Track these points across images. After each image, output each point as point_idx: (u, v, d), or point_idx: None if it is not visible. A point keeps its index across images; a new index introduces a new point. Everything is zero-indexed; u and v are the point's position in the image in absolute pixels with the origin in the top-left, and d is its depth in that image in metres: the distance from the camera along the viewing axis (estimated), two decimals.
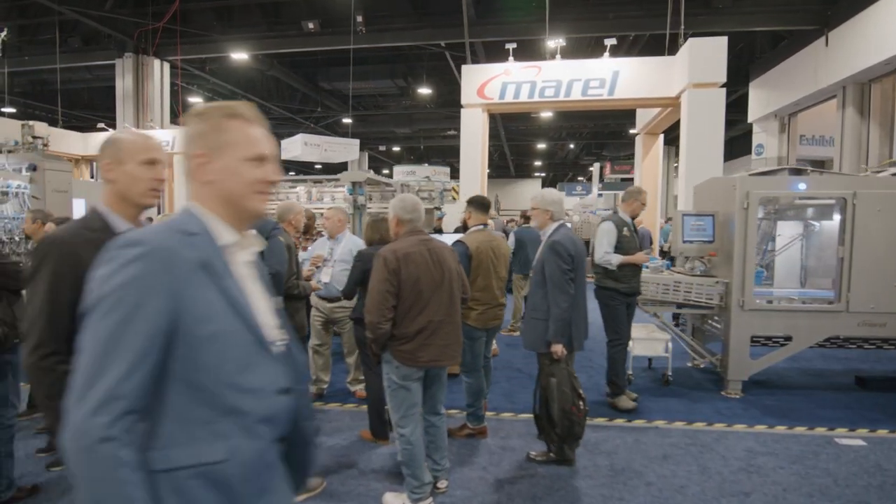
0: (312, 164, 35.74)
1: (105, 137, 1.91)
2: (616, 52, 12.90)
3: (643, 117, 12.85)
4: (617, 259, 5.08)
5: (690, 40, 9.08)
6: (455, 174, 34.30)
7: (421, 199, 7.13)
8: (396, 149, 31.80)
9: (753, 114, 15.60)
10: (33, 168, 7.49)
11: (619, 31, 13.24)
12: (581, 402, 3.77)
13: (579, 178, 37.99)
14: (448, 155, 34.02)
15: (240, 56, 17.17)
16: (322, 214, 6.37)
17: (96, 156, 1.85)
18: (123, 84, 17.30)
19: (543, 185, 36.90)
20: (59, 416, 1.21)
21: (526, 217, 7.57)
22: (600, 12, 13.66)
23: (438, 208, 6.94)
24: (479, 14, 15.08)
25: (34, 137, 8.02)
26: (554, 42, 10.11)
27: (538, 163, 35.24)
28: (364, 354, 4.45)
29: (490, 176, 37.41)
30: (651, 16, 13.52)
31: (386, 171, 37.80)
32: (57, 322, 1.69)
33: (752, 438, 4.54)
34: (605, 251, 5.11)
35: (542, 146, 30.01)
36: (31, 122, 8.34)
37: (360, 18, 15.39)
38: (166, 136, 16.12)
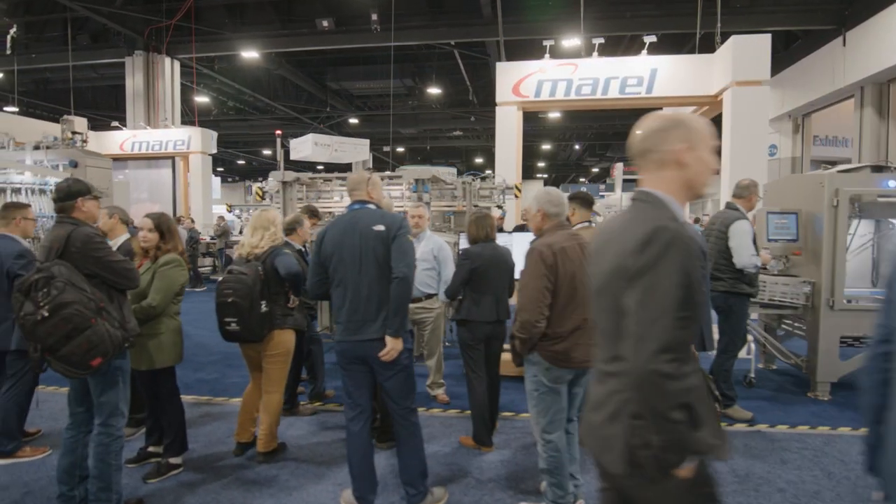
0: (314, 165, 35.48)
1: (666, 119, 1.73)
2: (627, 51, 12.84)
3: None
4: (759, 260, 4.77)
5: (733, 37, 9.00)
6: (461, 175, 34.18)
7: (482, 197, 7.02)
8: (400, 149, 31.59)
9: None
10: (74, 165, 7.24)
11: (636, 30, 13.22)
12: (717, 404, 3.61)
13: (580, 179, 38.01)
14: (452, 156, 33.90)
15: (250, 55, 16.93)
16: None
17: (655, 137, 1.72)
18: (133, 82, 16.99)
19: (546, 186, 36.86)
20: (679, 431, 1.52)
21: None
22: (618, 12, 13.58)
23: (500, 206, 6.75)
24: (496, 13, 14.99)
25: (73, 133, 7.76)
26: (594, 40, 9.95)
27: (541, 164, 35.20)
28: (468, 357, 4.27)
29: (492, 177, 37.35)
30: (668, 15, 13.49)
31: (389, 172, 37.62)
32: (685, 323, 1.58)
33: (861, 441, 4.40)
34: (751, 253, 4.69)
35: (546, 147, 29.93)
36: (70, 117, 8.07)
37: (374, 17, 15.18)
38: (182, 136, 15.85)
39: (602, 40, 9.97)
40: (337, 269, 3.24)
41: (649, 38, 9.66)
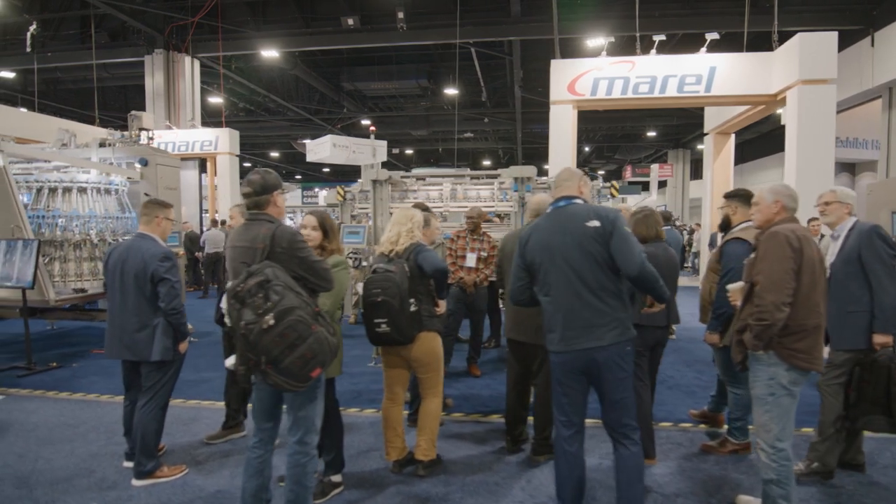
0: (320, 167, 35.13)
1: None
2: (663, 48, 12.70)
3: (714, 117, 12.66)
4: None
5: (800, 35, 8.90)
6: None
7: None
8: (409, 151, 31.36)
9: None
10: (145, 163, 6.94)
11: (665, 29, 13.14)
12: None
13: None
14: (459, 158, 33.67)
15: (270, 54, 16.65)
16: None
17: None
18: (153, 82, 16.61)
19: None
20: None
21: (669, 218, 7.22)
22: (645, 10, 13.47)
23: None
24: (524, 11, 14.85)
25: (141, 129, 7.45)
26: (654, 37, 9.80)
27: (547, 166, 35.12)
28: (636, 365, 4.05)
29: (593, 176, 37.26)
30: (696, 14, 13.42)
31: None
32: None
33: None
34: None
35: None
36: (139, 113, 7.74)
37: (401, 15, 14.97)
38: (209, 136, 15.52)
39: (663, 37, 9.82)
40: (548, 273, 2.98)
41: (711, 36, 9.53)
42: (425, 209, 5.36)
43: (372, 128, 8.35)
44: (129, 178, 7.19)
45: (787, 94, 9.20)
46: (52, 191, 7.02)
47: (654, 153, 30.09)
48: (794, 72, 8.95)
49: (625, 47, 14.82)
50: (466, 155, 33.42)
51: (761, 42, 11.77)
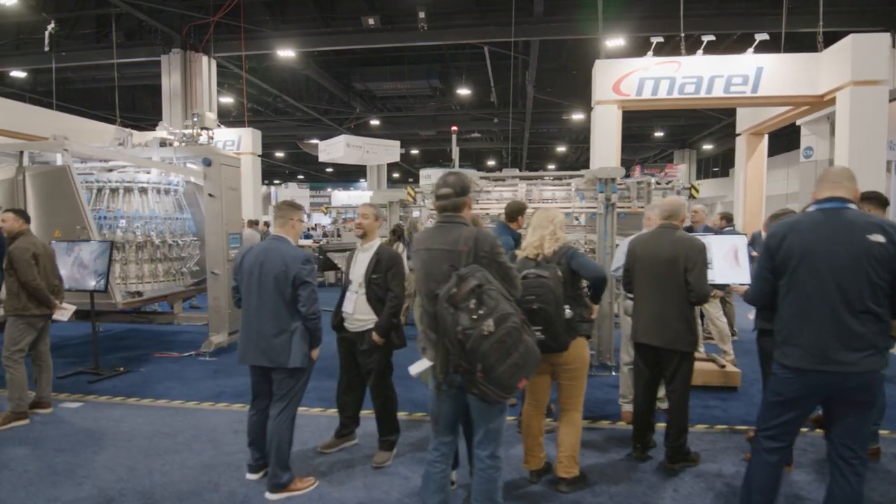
0: (323, 167, 34.87)
1: None
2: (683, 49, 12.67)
3: (747, 118, 12.65)
4: None
5: (852, 36, 8.89)
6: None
7: (661, 197, 6.71)
8: (414, 151, 31.22)
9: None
10: (209, 163, 6.73)
11: (687, 30, 13.12)
12: None
13: None
14: (464, 158, 33.54)
15: (286, 53, 16.47)
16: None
17: None
18: (170, 82, 16.34)
19: None
20: None
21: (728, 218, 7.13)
22: (667, 11, 13.46)
23: None
24: (547, 11, 14.78)
25: (203, 129, 7.25)
26: (703, 37, 9.73)
27: (551, 165, 35.10)
28: (768, 367, 3.95)
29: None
30: (721, 14, 13.39)
31: (397, 175, 37.23)
32: None
33: None
34: None
35: (561, 149, 29.86)
36: (202, 112, 7.53)
37: (422, 14, 14.84)
38: (232, 136, 15.32)
39: (713, 37, 9.76)
40: (802, 283, 2.70)
41: (760, 37, 9.49)
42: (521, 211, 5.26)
43: (454, 128, 8.20)
44: (189, 178, 7.00)
45: (836, 95, 9.18)
46: (113, 191, 6.81)
47: (660, 153, 30.20)
48: (845, 73, 8.94)
49: (640, 47, 14.89)
50: (470, 155, 33.34)
51: (788, 43, 11.77)
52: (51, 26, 14.43)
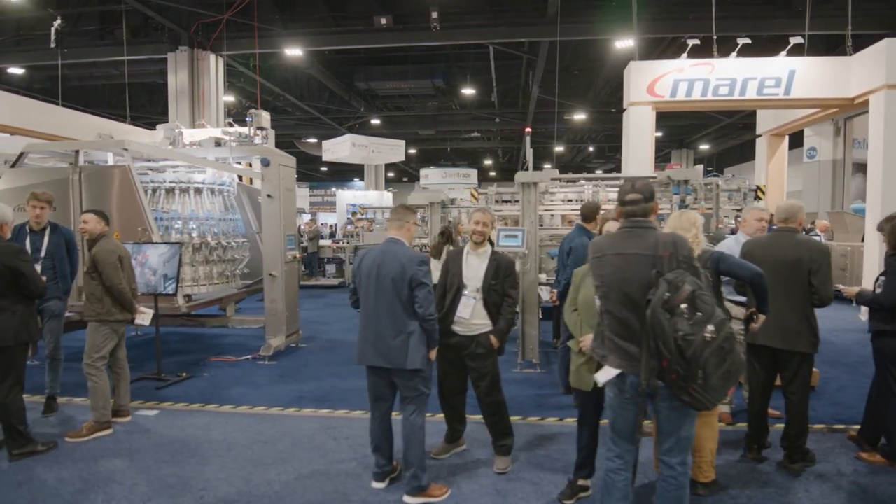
0: (318, 167, 34.54)
1: None
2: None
3: (766, 119, 12.79)
4: None
5: (887, 40, 9.00)
6: (487, 178, 33.93)
7: (727, 199, 6.73)
8: (412, 151, 31.09)
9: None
10: (267, 163, 6.58)
11: (701, 31, 13.25)
12: None
13: None
14: (464, 157, 33.56)
15: (294, 52, 16.29)
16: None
17: None
18: (177, 80, 16.04)
19: None
20: None
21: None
22: (680, 13, 13.58)
23: (739, 210, 6.47)
24: (561, 13, 14.79)
25: (259, 129, 7.07)
26: (738, 40, 9.80)
27: (547, 165, 35.18)
28: (886, 367, 3.97)
29: (496, 179, 37.20)
30: (732, 17, 13.53)
31: (391, 174, 37.01)
32: None
33: None
34: None
35: (559, 149, 29.95)
36: (258, 111, 7.37)
37: (434, 14, 14.78)
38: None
39: (748, 40, 9.83)
40: None
41: (795, 39, 9.59)
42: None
43: (527, 129, 8.14)
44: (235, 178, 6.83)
45: (870, 98, 9.30)
46: (168, 191, 6.62)
47: (658, 153, 30.44)
48: (879, 76, 9.05)
49: (648, 49, 14.99)
50: (467, 154, 33.35)
51: (815, 45, 11.89)
52: (57, 22, 14.08)
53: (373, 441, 3.74)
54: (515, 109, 24.03)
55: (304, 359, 6.96)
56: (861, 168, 19.53)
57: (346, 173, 35.44)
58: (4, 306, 4.04)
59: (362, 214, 16.64)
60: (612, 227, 3.42)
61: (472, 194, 7.49)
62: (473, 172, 27.67)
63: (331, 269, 13.83)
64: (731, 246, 4.52)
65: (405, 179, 39.28)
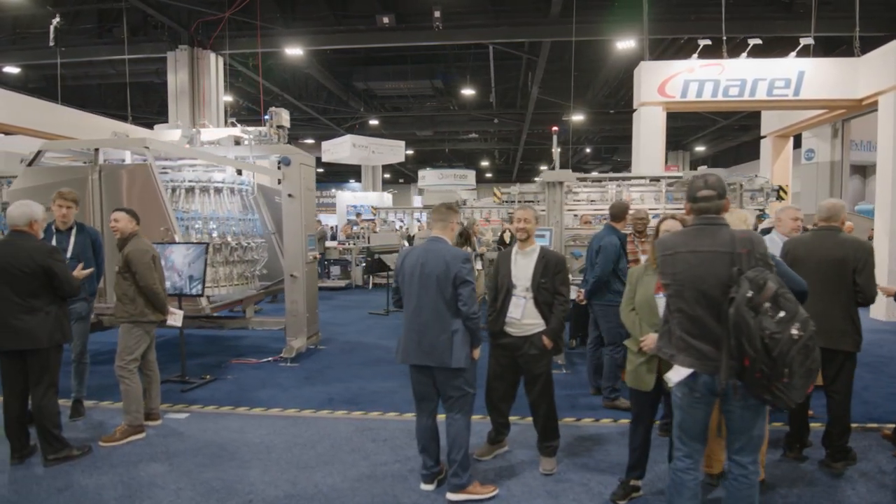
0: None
1: None
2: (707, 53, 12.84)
3: (771, 121, 12.87)
4: None
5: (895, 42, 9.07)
6: (482, 179, 33.87)
7: (749, 199, 6.75)
8: (409, 152, 31.03)
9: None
10: (287, 162, 6.52)
11: (701, 32, 13.33)
12: None
13: None
14: (459, 158, 33.52)
15: (294, 51, 16.19)
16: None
17: None
18: (177, 79, 15.87)
19: None
20: None
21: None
22: (681, 14, 13.65)
23: (762, 210, 6.49)
24: (563, 13, 14.82)
25: (279, 127, 7.00)
26: (749, 40, 9.85)
27: (543, 167, 35.21)
28: None
29: (491, 180, 37.09)
30: (733, 19, 13.61)
31: (387, 175, 36.88)
32: None
33: None
34: None
35: (556, 150, 29.93)
36: (278, 109, 7.28)
37: (437, 14, 14.75)
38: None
39: (759, 41, 9.88)
40: None
41: (805, 40, 9.64)
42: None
43: (554, 128, 8.18)
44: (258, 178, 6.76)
45: (879, 99, 9.38)
46: (188, 191, 6.54)
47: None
48: (888, 77, 9.14)
49: (656, 49, 15.05)
50: (464, 155, 33.33)
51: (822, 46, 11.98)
52: (56, 20, 13.88)
53: (420, 442, 3.71)
54: (513, 110, 24.05)
55: (325, 360, 6.90)
56: (858, 170, 19.74)
57: (342, 174, 35.30)
58: (38, 307, 3.96)
59: (374, 215, 16.59)
60: (672, 225, 3.39)
61: (496, 194, 7.48)
62: (471, 174, 27.65)
63: (335, 270, 13.74)
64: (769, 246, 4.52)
65: (401, 181, 39.17)
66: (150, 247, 4.66)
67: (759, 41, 9.78)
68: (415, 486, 3.73)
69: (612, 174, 7.26)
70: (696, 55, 9.93)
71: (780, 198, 7.05)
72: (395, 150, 21.26)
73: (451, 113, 24.63)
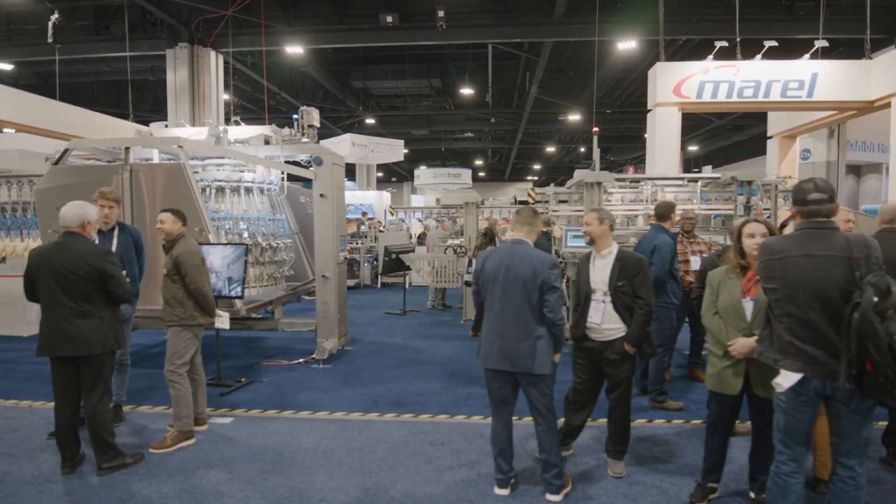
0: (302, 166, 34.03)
1: None
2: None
3: (778, 121, 12.98)
4: None
5: None
6: (475, 178, 33.75)
7: (782, 200, 6.77)
8: (405, 151, 30.92)
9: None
10: (319, 162, 6.41)
11: (704, 33, 13.42)
12: None
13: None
14: (454, 157, 33.47)
15: (295, 50, 16.04)
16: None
17: None
18: (176, 77, 15.63)
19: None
20: None
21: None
22: (683, 15, 13.72)
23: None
24: (567, 13, 14.84)
25: (309, 126, 6.88)
26: (765, 42, 9.89)
27: (537, 166, 35.30)
28: None
29: (483, 179, 36.96)
30: (733, 20, 13.71)
31: (380, 174, 36.69)
32: None
33: None
34: None
35: (551, 149, 30.08)
36: (308, 108, 7.15)
37: (441, 14, 14.68)
38: (254, 134, 14.70)
39: (775, 43, 9.93)
40: None
41: (820, 43, 9.73)
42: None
43: (595, 129, 8.19)
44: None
45: (891, 100, 9.48)
46: (219, 190, 6.41)
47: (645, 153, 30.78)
48: None
49: (647, 50, 15.11)
50: (457, 154, 33.30)
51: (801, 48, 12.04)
52: (54, 16, 13.59)
53: (496, 446, 3.65)
54: (509, 110, 24.04)
55: (357, 362, 6.80)
56: (853, 170, 19.99)
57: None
58: (92, 312, 3.83)
59: (393, 214, 16.46)
60: (756, 229, 3.33)
61: (530, 194, 7.44)
62: (467, 172, 27.61)
63: None
64: None
65: (394, 179, 39.02)
66: (198, 248, 4.54)
67: (774, 43, 9.82)
68: (488, 490, 3.67)
69: (648, 175, 7.24)
70: (711, 56, 9.96)
71: None
72: (395, 149, 21.18)
73: (446, 112, 24.57)
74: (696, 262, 5.67)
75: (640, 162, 29.75)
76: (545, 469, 3.58)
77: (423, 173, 27.03)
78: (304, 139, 6.79)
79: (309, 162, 6.53)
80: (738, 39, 10.20)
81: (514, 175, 37.67)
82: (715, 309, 3.45)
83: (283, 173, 7.14)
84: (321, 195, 6.45)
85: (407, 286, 10.26)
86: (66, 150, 5.98)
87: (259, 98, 22.45)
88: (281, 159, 6.55)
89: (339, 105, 22.29)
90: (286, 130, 6.70)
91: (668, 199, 6.54)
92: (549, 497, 3.56)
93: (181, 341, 4.47)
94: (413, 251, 10.68)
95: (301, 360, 6.63)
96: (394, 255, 9.38)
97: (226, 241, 6.05)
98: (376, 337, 8.17)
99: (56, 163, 5.98)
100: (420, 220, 17.27)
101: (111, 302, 3.97)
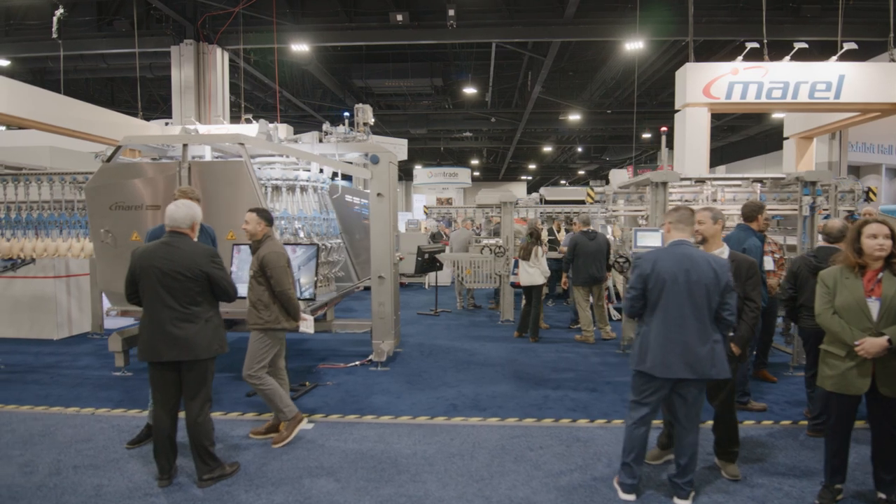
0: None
1: None
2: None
3: (795, 122, 13.10)
4: None
5: None
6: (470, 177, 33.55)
7: (840, 201, 6.78)
8: None
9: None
10: (376, 160, 6.28)
11: (707, 35, 13.52)
12: None
13: (562, 182, 38.62)
14: (451, 156, 33.32)
15: (300, 48, 15.83)
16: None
17: None
18: (181, 74, 15.32)
19: (529, 190, 37.00)
20: None
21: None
22: (685, 17, 13.82)
23: (852, 211, 6.53)
24: (578, 14, 14.84)
25: (364, 124, 6.71)
26: (795, 44, 9.94)
27: (532, 165, 35.27)
28: None
29: (479, 178, 36.81)
30: (742, 22, 13.81)
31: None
32: None
33: None
34: None
35: (548, 149, 30.11)
36: (363, 106, 6.99)
37: (451, 13, 14.61)
38: (262, 132, 14.46)
39: (805, 45, 9.99)
40: None
41: (849, 45, 9.79)
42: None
43: (663, 129, 8.13)
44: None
45: None
46: (275, 189, 6.24)
47: (642, 153, 30.94)
48: None
49: (652, 51, 15.16)
50: (454, 154, 33.19)
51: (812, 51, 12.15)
52: (59, 11, 13.22)
53: (632, 451, 3.53)
54: (509, 109, 24.03)
55: (414, 364, 6.67)
56: (853, 171, 20.33)
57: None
58: (198, 315, 3.66)
59: (427, 215, 16.30)
60: (878, 229, 3.28)
61: (589, 194, 7.37)
62: (465, 172, 27.50)
63: None
64: None
65: None
66: (284, 249, 4.39)
67: (804, 45, 9.88)
68: (611, 496, 3.59)
69: (712, 175, 7.20)
70: (741, 58, 9.98)
71: (869, 199, 7.12)
72: (399, 149, 20.96)
73: (445, 112, 24.47)
74: (769, 262, 5.59)
75: (640, 163, 29.95)
76: (680, 474, 3.50)
77: (420, 173, 26.85)
78: (360, 136, 6.63)
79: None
80: (766, 41, 10.24)
81: (509, 175, 37.64)
82: (833, 309, 3.39)
83: (335, 172, 6.97)
84: (378, 194, 6.31)
85: (426, 286, 10.11)
86: (118, 148, 5.76)
87: (258, 95, 22.20)
88: (336, 157, 6.38)
89: (338, 103, 22.07)
90: (340, 128, 6.52)
91: (727, 199, 6.52)
92: (679, 502, 3.49)
93: (262, 345, 4.33)
94: (443, 251, 10.57)
95: (357, 363, 6.48)
96: (426, 256, 9.25)
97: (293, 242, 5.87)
98: (420, 339, 8.04)
99: (108, 160, 5.76)
100: (436, 221, 17.14)
101: (216, 304, 3.81)
